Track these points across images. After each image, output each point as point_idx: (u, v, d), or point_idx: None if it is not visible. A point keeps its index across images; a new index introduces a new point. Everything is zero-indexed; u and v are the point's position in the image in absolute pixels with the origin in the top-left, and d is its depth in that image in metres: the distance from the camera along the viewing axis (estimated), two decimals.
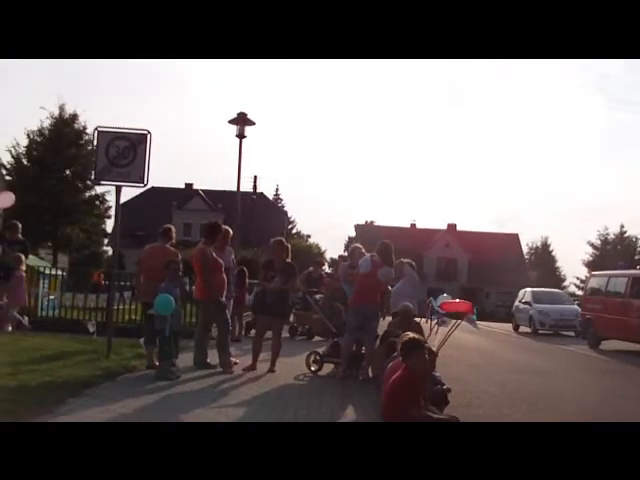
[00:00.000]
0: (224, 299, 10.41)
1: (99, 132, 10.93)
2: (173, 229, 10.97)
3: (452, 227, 75.53)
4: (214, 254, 10.34)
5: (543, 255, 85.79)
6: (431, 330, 10.35)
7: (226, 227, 11.64)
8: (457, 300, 11.24)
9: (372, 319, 10.52)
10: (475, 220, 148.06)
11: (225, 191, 56.87)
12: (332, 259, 59.14)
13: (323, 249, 66.24)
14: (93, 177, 11.33)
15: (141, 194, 59.43)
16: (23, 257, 13.27)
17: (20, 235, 13.63)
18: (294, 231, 79.60)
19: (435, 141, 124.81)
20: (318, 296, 13.14)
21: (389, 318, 13.03)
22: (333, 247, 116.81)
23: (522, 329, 27.80)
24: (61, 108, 39.77)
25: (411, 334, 6.81)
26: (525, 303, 28.02)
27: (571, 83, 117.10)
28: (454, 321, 10.27)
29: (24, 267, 13.54)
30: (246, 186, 65.30)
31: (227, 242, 11.52)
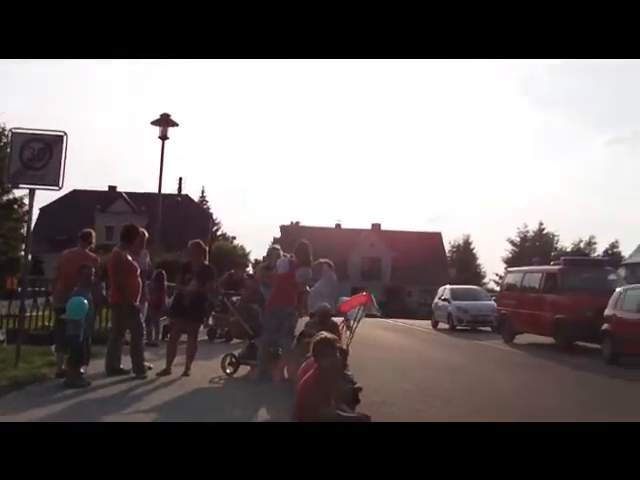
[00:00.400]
0: (138, 303, 10.33)
1: (13, 133, 10.74)
2: (93, 233, 10.84)
3: (377, 227, 76.34)
4: (129, 257, 10.26)
5: (465, 253, 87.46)
6: (340, 331, 10.47)
7: (141, 229, 11.52)
8: (351, 297, 11.35)
9: (288, 320, 10.56)
10: (401, 220, 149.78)
11: (149, 193, 56.09)
12: (256, 260, 59.17)
13: (248, 251, 66.05)
14: (7, 180, 11.04)
15: (63, 197, 58.22)
16: None
17: None
18: (219, 233, 79.07)
19: (361, 140, 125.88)
20: (235, 298, 13.16)
21: (307, 318, 13.17)
22: (258, 249, 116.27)
23: (441, 326, 28.31)
24: None
25: (324, 334, 6.88)
26: (444, 300, 28.53)
27: (495, 84, 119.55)
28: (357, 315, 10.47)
29: None
30: (172, 188, 64.81)
31: (142, 245, 11.40)
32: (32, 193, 10.94)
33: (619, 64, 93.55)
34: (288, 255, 11.01)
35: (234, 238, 78.42)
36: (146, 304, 11.58)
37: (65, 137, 10.68)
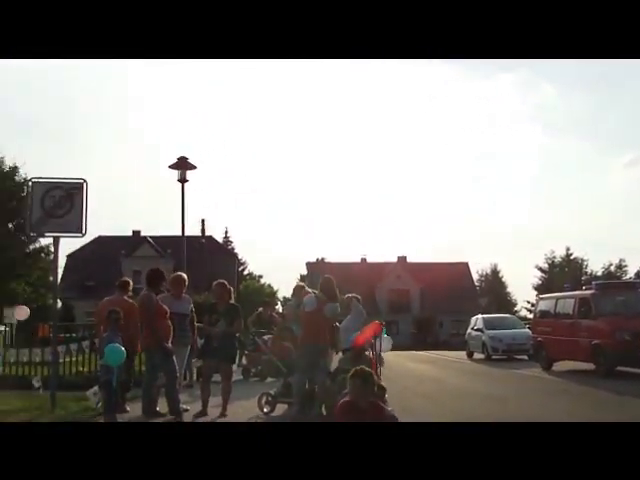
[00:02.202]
0: (170, 345, 10.23)
1: (33, 183, 10.78)
2: (130, 282, 11.20)
3: (402, 259, 76.05)
4: (157, 300, 10.21)
5: (493, 282, 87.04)
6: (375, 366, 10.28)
7: (181, 274, 11.43)
8: (362, 330, 11.14)
9: (321, 356, 10.41)
10: (425, 252, 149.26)
11: (173, 236, 56.42)
12: (285, 298, 59.14)
13: (275, 289, 66.18)
14: (28, 229, 11.09)
15: (88, 244, 58.85)
16: None
17: None
18: (245, 272, 79.31)
19: (382, 175, 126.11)
20: (267, 337, 13.05)
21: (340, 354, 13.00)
22: (286, 286, 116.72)
23: (476, 356, 27.90)
24: (0, 161, 39.28)
25: (360, 368, 6.75)
26: (477, 330, 28.16)
27: (508, 112, 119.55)
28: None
29: None
30: (195, 230, 65.17)
31: (183, 289, 11.29)
32: (56, 241, 11.00)
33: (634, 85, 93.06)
34: (314, 291, 10.88)
35: (261, 277, 78.70)
36: (189, 347, 11.48)
37: (85, 184, 10.76)
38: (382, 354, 10.21)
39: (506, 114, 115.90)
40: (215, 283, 10.93)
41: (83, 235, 10.87)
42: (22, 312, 19.78)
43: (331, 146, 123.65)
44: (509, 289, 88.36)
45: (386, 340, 10.31)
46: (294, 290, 12.16)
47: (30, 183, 10.84)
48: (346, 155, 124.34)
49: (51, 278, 45.61)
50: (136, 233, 66.19)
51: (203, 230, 68.89)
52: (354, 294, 13.58)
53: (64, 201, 10.57)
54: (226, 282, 11.00)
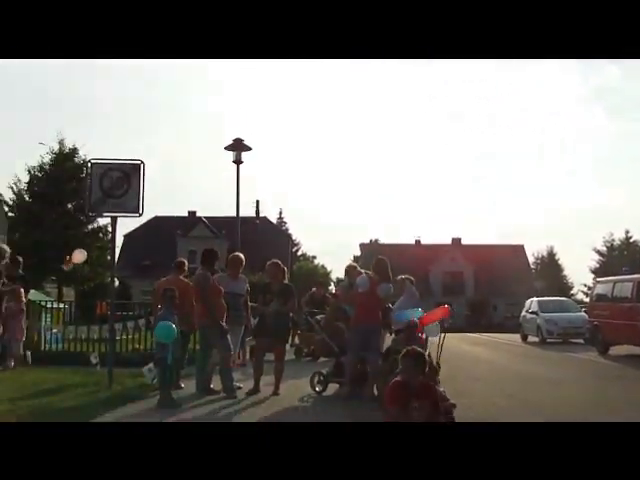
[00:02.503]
0: (224, 324, 10.36)
1: (92, 164, 10.96)
2: (186, 262, 11.56)
3: (457, 241, 75.41)
4: (211, 279, 10.35)
5: (549, 264, 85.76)
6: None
7: (239, 254, 11.56)
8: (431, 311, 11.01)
9: (374, 337, 10.43)
10: (480, 234, 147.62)
11: (228, 217, 56.78)
12: (338, 279, 59.20)
13: (329, 269, 66.26)
14: (87, 209, 11.30)
15: (145, 224, 59.71)
16: (22, 290, 13.31)
17: (20, 270, 13.64)
18: (299, 253, 79.63)
19: (437, 156, 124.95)
20: (320, 317, 13.10)
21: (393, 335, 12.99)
22: (339, 268, 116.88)
23: (530, 339, 27.60)
24: (61, 143, 40.00)
25: (412, 348, 6.75)
26: (532, 313, 27.83)
27: (570, 94, 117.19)
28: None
29: (24, 301, 13.58)
30: (249, 211, 65.58)
31: (239, 269, 11.42)
32: (114, 220, 11.25)
33: None
34: (367, 272, 10.88)
35: (314, 258, 78.86)
36: (243, 327, 11.63)
37: (142, 165, 10.88)
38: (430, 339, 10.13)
39: (568, 95, 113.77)
40: (269, 263, 11.02)
41: (140, 215, 11.02)
42: (80, 255, 20.04)
43: (384, 127, 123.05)
44: (565, 272, 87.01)
45: (434, 329, 10.22)
46: (346, 270, 12.13)
47: (89, 164, 11.00)
48: (402, 136, 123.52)
49: (109, 257, 46.61)
50: (192, 213, 66.88)
51: (257, 211, 69.23)
52: (407, 276, 13.54)
53: (122, 182, 10.73)
54: (280, 262, 11.08)
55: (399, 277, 13.20)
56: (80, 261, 20.58)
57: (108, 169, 10.80)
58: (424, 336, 10.28)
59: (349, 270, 11.91)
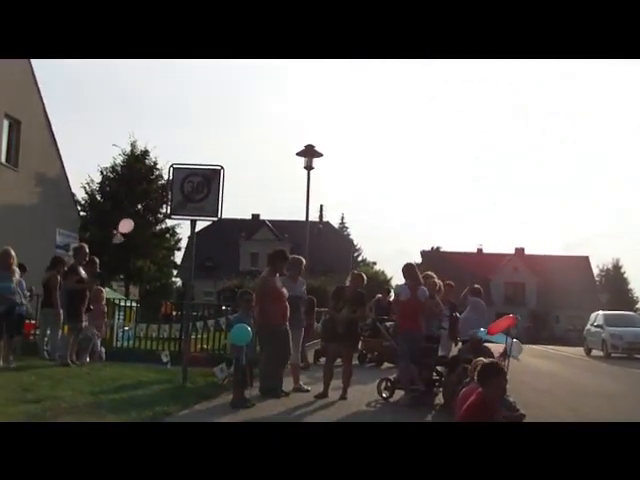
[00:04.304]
0: (287, 326, 10.58)
1: (174, 169, 11.27)
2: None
3: (520, 251, 74.30)
4: (277, 283, 10.61)
5: (615, 277, 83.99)
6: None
7: (299, 257, 11.82)
8: (497, 321, 11.01)
9: (418, 344, 10.68)
10: (543, 245, 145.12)
11: (291, 221, 57.51)
12: (397, 286, 59.00)
13: (389, 276, 65.88)
14: (169, 212, 11.65)
15: (209, 226, 60.51)
16: (104, 291, 13.96)
17: (98, 269, 14.23)
18: (360, 259, 79.59)
19: (501, 165, 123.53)
20: (389, 323, 13.25)
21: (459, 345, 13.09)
22: (400, 275, 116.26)
23: (594, 353, 27.23)
24: (132, 145, 40.85)
25: (487, 359, 6.85)
26: (597, 326, 27.46)
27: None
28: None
29: (104, 301, 14.21)
30: (312, 215, 65.83)
31: (299, 272, 11.68)
32: (193, 224, 11.54)
33: None
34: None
35: (375, 264, 78.63)
36: (303, 330, 11.83)
37: (222, 171, 11.10)
38: (512, 357, 10.08)
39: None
40: (354, 273, 11.40)
41: (219, 219, 11.35)
42: (127, 224, 20.40)
43: (447, 136, 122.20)
44: (631, 285, 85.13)
45: (516, 345, 10.18)
46: (424, 277, 12.30)
47: (171, 169, 11.30)
48: (466, 145, 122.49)
49: (172, 258, 47.47)
50: (255, 217, 67.55)
51: (321, 216, 69.55)
52: (477, 285, 13.68)
53: (202, 186, 11.03)
54: (364, 274, 11.37)
55: (467, 288, 13.38)
56: (128, 230, 20.79)
57: (189, 174, 11.13)
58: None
59: (428, 282, 12.01)
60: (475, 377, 6.60)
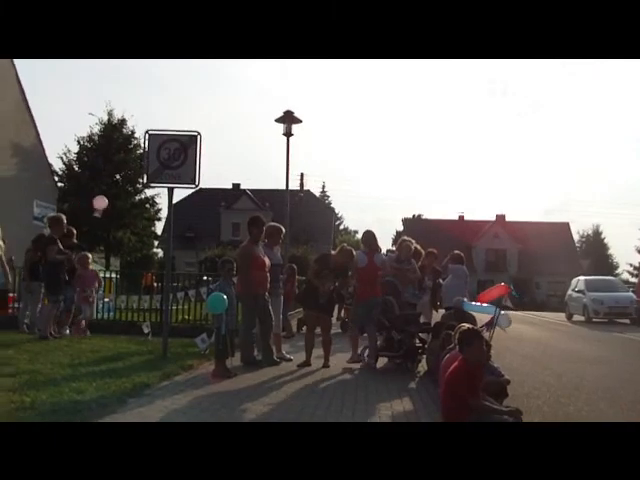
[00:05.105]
0: (267, 295, 10.48)
1: (150, 135, 10.98)
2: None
3: (501, 218, 74.53)
4: (258, 251, 10.45)
5: (595, 243, 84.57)
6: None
7: (278, 225, 11.63)
8: (489, 289, 10.89)
9: (375, 310, 10.75)
10: (524, 211, 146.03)
11: (272, 190, 57.18)
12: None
13: None
14: (145, 179, 11.39)
15: (189, 196, 60.24)
16: (90, 256, 13.82)
17: (75, 240, 13.93)
18: (341, 227, 79.65)
19: (482, 132, 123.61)
20: None
21: (441, 311, 13.04)
22: (382, 242, 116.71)
23: (576, 318, 27.41)
24: (109, 114, 40.41)
25: (467, 325, 6.79)
26: (578, 292, 27.60)
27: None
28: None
29: (92, 266, 14.01)
30: (293, 184, 65.69)
31: (278, 240, 11.52)
32: (171, 191, 11.26)
33: None
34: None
35: (356, 232, 78.77)
36: (281, 297, 11.67)
37: (199, 137, 10.88)
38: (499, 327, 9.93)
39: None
40: (345, 248, 11.16)
41: (197, 186, 11.11)
42: (101, 201, 20.27)
43: (427, 102, 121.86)
44: (611, 251, 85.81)
45: (504, 317, 10.00)
46: (398, 244, 12.21)
47: (146, 135, 11.05)
48: (444, 111, 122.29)
49: (153, 229, 47.17)
50: (236, 186, 67.20)
51: (302, 184, 69.27)
52: (457, 252, 13.61)
53: (178, 153, 10.80)
54: (352, 250, 11.24)
55: (448, 256, 13.32)
56: (103, 207, 20.66)
57: (165, 140, 10.87)
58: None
59: (401, 244, 11.93)
60: (456, 344, 6.57)
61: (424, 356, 10.67)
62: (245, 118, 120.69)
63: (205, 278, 17.24)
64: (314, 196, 72.18)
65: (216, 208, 62.17)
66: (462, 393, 6.14)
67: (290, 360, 10.81)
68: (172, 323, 14.41)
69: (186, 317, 15.89)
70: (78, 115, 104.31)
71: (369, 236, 11.12)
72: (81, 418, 6.13)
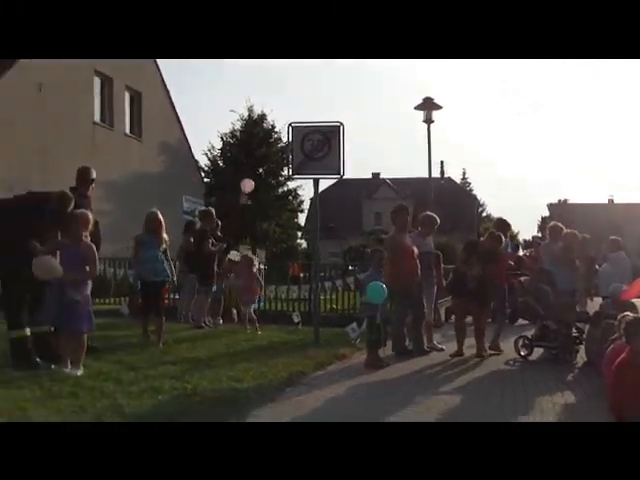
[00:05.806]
0: (416, 285, 10.34)
1: (293, 127, 11.14)
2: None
3: None
4: (406, 240, 10.35)
5: None
6: None
7: (433, 215, 11.45)
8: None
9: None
10: None
11: (412, 178, 56.84)
12: (525, 241, 57.47)
13: (515, 231, 64.26)
14: (291, 172, 11.56)
15: (330, 187, 60.78)
16: (255, 259, 14.00)
17: (219, 233, 14.16)
18: (484, 214, 77.99)
19: (628, 112, 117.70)
20: (523, 278, 12.71)
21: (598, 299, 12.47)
22: (526, 229, 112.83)
23: None
24: (250, 110, 41.27)
25: (632, 314, 6.42)
26: None
27: None
28: None
29: (256, 267, 13.98)
30: (433, 171, 65.11)
31: (431, 230, 11.36)
32: (316, 182, 11.39)
33: None
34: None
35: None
36: (435, 286, 11.50)
37: (341, 127, 10.95)
38: None
39: None
40: (493, 234, 11.00)
41: (342, 176, 11.18)
42: (249, 184, 20.78)
43: (568, 86, 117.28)
44: None
45: None
46: (550, 229, 11.71)
47: (290, 128, 11.18)
48: (585, 95, 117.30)
49: (296, 220, 47.87)
50: (375, 175, 67.29)
51: (442, 172, 68.41)
52: (614, 237, 12.97)
53: (322, 144, 10.88)
54: (502, 236, 11.01)
55: (609, 239, 12.67)
56: (250, 189, 21.12)
57: (309, 132, 10.97)
58: None
59: (553, 229, 11.46)
60: (622, 334, 6.24)
61: (581, 346, 10.20)
62: (382, 107, 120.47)
63: (351, 268, 17.33)
64: (455, 183, 71.21)
65: (357, 199, 62.50)
66: (632, 386, 5.84)
67: (442, 350, 10.64)
68: (321, 312, 14.60)
69: (334, 306, 16.01)
70: (220, 112, 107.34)
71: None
72: (239, 407, 6.27)
